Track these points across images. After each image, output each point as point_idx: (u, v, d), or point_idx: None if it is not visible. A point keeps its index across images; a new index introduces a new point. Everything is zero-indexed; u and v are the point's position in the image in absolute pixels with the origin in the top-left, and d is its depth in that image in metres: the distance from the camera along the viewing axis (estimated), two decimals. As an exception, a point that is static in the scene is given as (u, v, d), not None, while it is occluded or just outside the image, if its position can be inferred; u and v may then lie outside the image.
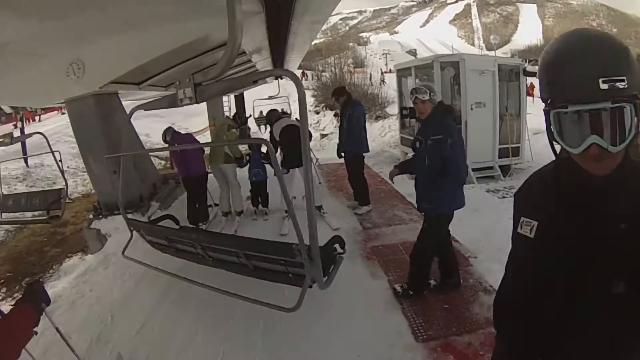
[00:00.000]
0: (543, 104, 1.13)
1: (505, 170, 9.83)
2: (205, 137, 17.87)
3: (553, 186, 1.23)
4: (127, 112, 3.18)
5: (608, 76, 0.99)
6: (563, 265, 1.16)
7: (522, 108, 10.30)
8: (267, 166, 6.86)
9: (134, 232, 4.02)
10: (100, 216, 7.07)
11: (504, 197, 7.95)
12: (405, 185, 7.59)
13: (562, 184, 1.20)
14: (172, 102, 2.58)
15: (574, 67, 1.03)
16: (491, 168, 9.75)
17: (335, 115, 20.51)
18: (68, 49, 5.30)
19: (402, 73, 12.20)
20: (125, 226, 3.93)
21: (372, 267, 5.01)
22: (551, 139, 1.13)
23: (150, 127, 15.63)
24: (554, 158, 1.23)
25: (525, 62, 10.88)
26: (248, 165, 6.91)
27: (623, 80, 0.99)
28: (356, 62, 41.43)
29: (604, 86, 0.99)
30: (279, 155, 6.59)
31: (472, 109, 9.42)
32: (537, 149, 10.42)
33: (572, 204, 1.16)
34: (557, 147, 1.17)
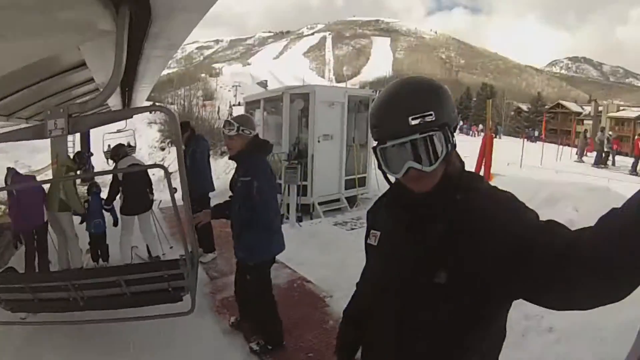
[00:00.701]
0: None
1: (353, 200, 10.02)
2: (47, 177, 15.52)
3: (388, 204, 1.49)
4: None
5: (416, 114, 1.20)
6: (397, 265, 1.35)
7: (368, 138, 10.49)
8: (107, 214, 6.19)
9: None
10: None
11: (352, 229, 7.98)
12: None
13: (394, 202, 1.44)
14: (39, 133, 2.34)
15: (389, 111, 1.26)
16: (338, 200, 9.82)
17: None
18: None
19: (251, 106, 11.97)
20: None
21: (224, 322, 4.51)
22: (382, 170, 1.33)
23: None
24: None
25: (376, 92, 11.04)
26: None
27: (431, 115, 1.20)
28: (206, 95, 41.28)
29: (413, 122, 1.20)
30: (119, 199, 6.00)
31: (319, 141, 9.46)
32: (383, 178, 10.78)
33: (401, 215, 1.38)
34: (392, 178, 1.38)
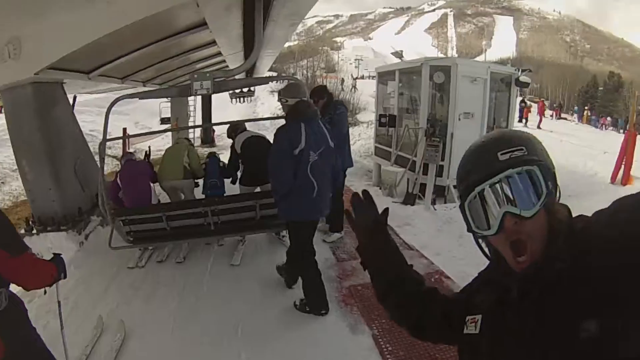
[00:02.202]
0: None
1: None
2: (167, 137, 16.25)
3: (489, 283, 1.16)
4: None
5: (506, 149, 1.01)
6: (524, 347, 0.97)
7: (509, 119, 9.80)
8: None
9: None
10: (34, 232, 5.63)
11: (490, 220, 7.11)
12: (384, 202, 6.61)
13: (496, 275, 1.13)
14: (185, 92, 3.06)
15: (475, 156, 1.07)
16: (477, 184, 8.95)
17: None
18: (4, 26, 4.36)
19: (383, 77, 11.20)
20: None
21: (350, 316, 3.99)
22: (476, 239, 1.13)
23: (113, 125, 14.30)
24: None
25: (518, 71, 9.91)
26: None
27: (522, 149, 1.01)
28: (328, 67, 41.92)
29: (503, 157, 1.00)
30: (240, 172, 5.80)
31: (459, 119, 8.58)
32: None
33: (511, 285, 1.04)
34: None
